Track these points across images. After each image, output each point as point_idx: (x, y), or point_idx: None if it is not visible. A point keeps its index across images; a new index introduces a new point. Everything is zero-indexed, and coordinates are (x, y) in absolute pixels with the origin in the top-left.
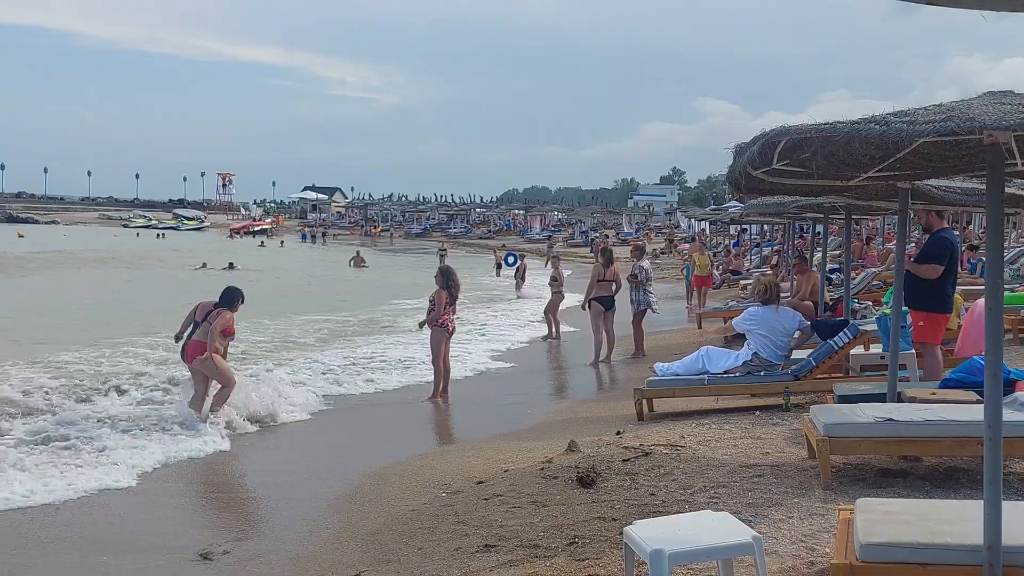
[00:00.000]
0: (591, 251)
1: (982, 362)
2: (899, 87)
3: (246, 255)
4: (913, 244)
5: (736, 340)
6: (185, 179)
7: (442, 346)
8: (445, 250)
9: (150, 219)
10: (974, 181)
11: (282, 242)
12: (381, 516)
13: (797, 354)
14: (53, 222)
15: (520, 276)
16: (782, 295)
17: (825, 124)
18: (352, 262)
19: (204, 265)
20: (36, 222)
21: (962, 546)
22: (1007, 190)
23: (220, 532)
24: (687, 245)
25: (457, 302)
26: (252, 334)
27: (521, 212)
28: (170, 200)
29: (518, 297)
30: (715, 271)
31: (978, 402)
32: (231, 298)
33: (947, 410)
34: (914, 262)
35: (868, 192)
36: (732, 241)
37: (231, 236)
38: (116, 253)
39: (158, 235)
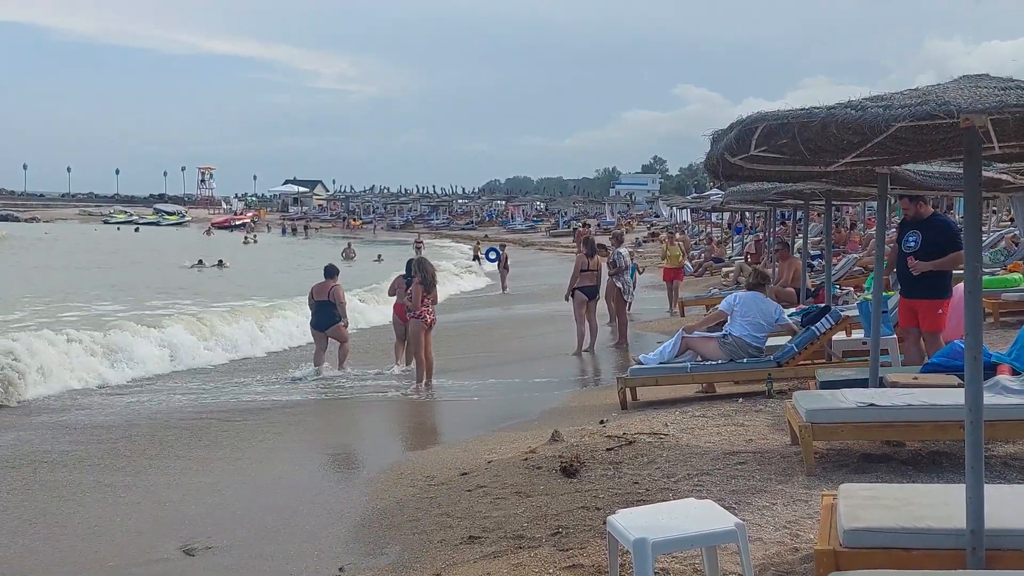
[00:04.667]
0: (573, 240)
1: (963, 346)
2: (878, 72)
3: (231, 253)
4: (893, 229)
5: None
6: (166, 174)
7: (421, 337)
8: (421, 242)
9: (131, 214)
10: (952, 165)
11: (255, 237)
12: (365, 509)
13: (779, 340)
14: (34, 219)
15: (503, 266)
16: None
17: (801, 110)
18: (344, 253)
19: (200, 262)
20: (17, 219)
21: (945, 530)
22: (986, 173)
23: (202, 526)
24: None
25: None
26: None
27: (503, 202)
28: (150, 195)
29: (504, 291)
30: (687, 262)
31: (959, 386)
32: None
33: (929, 394)
34: (926, 258)
35: (847, 178)
36: (736, 227)
37: (208, 232)
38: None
39: (135, 229)
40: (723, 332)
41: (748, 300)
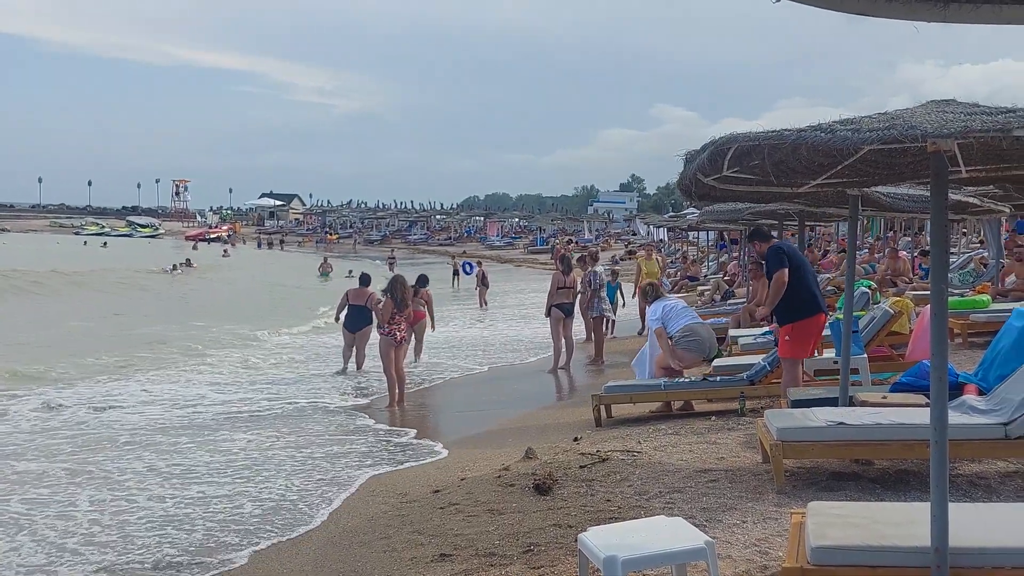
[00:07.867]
0: (551, 257)
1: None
2: (852, 94)
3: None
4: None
5: None
6: (139, 186)
7: (391, 354)
8: (393, 258)
9: (103, 226)
10: (921, 188)
11: (227, 251)
12: (336, 526)
13: (752, 359)
14: (3, 230)
15: (481, 282)
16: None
17: (773, 132)
18: (320, 269)
19: (175, 267)
20: None
21: (910, 548)
22: (955, 197)
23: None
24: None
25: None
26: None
27: (482, 218)
28: (123, 207)
29: (482, 307)
30: (665, 279)
31: (927, 405)
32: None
33: (897, 414)
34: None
35: (819, 199)
36: (719, 243)
37: (195, 247)
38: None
39: (103, 244)
40: (670, 338)
41: (667, 305)
